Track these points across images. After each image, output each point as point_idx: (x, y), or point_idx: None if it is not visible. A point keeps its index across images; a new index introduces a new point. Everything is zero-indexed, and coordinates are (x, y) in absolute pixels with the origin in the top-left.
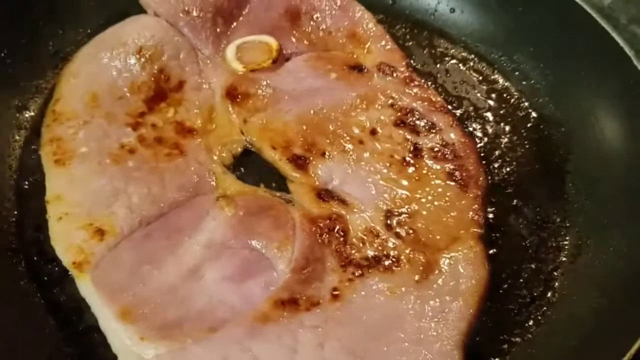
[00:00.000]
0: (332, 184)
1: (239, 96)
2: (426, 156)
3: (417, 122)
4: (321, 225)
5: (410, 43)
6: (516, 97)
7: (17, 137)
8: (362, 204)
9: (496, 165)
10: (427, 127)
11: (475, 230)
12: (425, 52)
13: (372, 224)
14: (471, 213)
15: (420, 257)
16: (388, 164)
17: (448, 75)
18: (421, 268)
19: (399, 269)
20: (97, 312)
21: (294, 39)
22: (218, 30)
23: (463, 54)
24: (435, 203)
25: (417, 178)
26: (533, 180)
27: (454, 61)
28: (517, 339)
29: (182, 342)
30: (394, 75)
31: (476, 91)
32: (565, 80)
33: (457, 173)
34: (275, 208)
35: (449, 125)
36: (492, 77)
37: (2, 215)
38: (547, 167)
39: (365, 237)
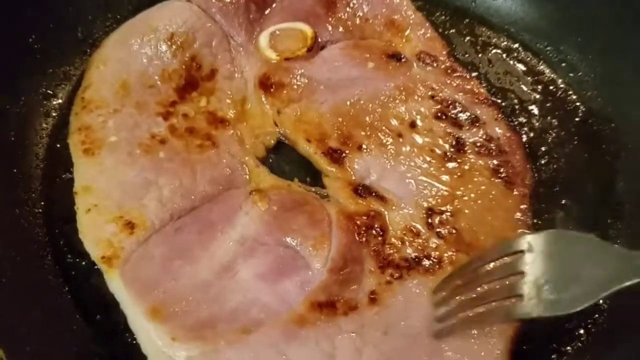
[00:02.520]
0: (370, 179)
1: (273, 86)
2: (469, 151)
3: (460, 114)
4: (359, 222)
5: (451, 31)
6: (563, 89)
7: (45, 125)
8: (401, 201)
9: (543, 161)
10: (470, 121)
11: (523, 231)
12: (466, 40)
13: (412, 222)
14: (518, 213)
15: (463, 259)
16: (428, 159)
17: (491, 65)
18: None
19: (440, 270)
20: (126, 310)
21: (329, 27)
22: (251, 16)
23: (506, 43)
24: (479, 202)
25: (459, 174)
26: (582, 178)
27: (497, 51)
28: (567, 348)
29: (215, 343)
30: (435, 65)
31: (521, 83)
32: (615, 74)
33: (502, 170)
34: (310, 204)
35: (493, 118)
36: (538, 68)
37: (29, 206)
38: (596, 165)
39: (404, 237)
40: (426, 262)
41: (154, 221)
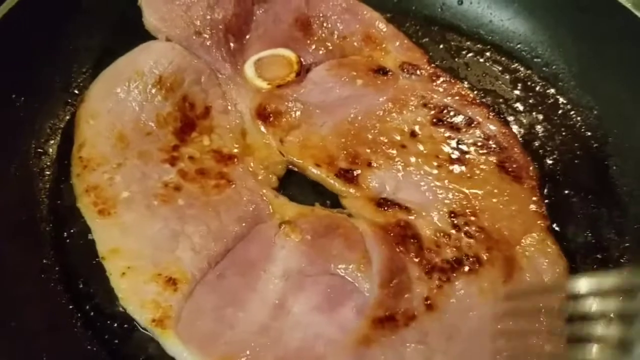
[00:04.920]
0: (386, 192)
1: (271, 115)
2: (472, 151)
3: (454, 118)
4: (393, 233)
5: (424, 40)
6: (541, 84)
7: (41, 185)
8: (423, 208)
9: (538, 156)
10: (465, 123)
11: (541, 222)
12: (440, 47)
13: (439, 226)
14: (532, 205)
15: (498, 255)
16: (436, 164)
17: (469, 69)
18: (503, 267)
19: (482, 268)
20: None
21: (310, 49)
22: (232, 47)
23: (478, 46)
24: (494, 200)
25: (469, 175)
26: (578, 168)
27: (470, 54)
28: None
29: None
30: (419, 73)
31: (500, 82)
32: (588, 63)
33: (507, 164)
34: (342, 226)
35: (486, 117)
36: (513, 66)
37: (46, 275)
38: (588, 153)
39: (438, 240)
40: (467, 263)
41: (193, 272)
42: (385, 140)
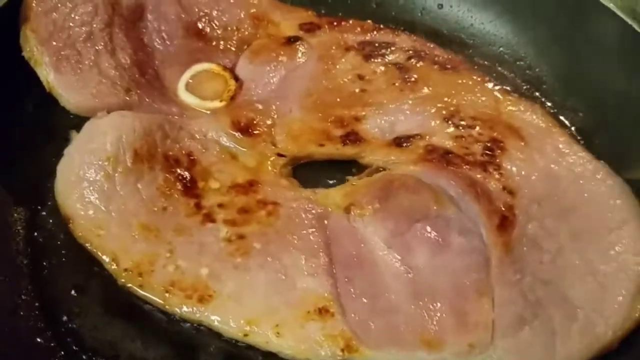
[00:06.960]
0: (388, 133)
1: (249, 127)
2: (411, 67)
3: (376, 49)
4: (434, 158)
5: None
6: (525, 87)
7: (16, 216)
8: (426, 129)
9: None
10: (386, 48)
11: (497, 89)
12: None
13: (449, 131)
14: (486, 85)
15: (501, 128)
16: (400, 91)
17: None
18: (512, 133)
19: (503, 143)
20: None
21: (218, 53)
22: (157, 88)
23: (460, 50)
24: (460, 92)
25: (425, 86)
26: None
27: None
28: None
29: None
30: (317, 28)
31: None
32: (572, 64)
33: (441, 63)
34: (393, 180)
35: (395, 36)
36: (496, 70)
37: (25, 312)
38: None
39: (461, 144)
40: (493, 146)
41: (331, 291)
42: (348, 95)
